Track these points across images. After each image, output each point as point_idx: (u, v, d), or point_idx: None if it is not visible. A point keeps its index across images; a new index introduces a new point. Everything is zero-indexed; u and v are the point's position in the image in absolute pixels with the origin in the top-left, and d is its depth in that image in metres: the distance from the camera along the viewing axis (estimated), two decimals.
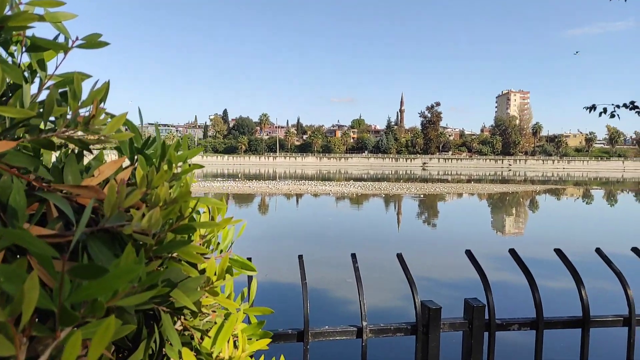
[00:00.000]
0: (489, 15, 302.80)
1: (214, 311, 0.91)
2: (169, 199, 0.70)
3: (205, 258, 0.86)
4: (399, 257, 1.70)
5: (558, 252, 1.78)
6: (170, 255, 0.74)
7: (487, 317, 1.65)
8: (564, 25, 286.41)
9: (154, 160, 0.80)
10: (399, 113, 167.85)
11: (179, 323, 0.80)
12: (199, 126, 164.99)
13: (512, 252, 1.77)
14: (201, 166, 1.01)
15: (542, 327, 1.66)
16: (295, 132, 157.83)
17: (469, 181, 52.14)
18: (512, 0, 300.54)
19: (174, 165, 0.79)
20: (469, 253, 1.77)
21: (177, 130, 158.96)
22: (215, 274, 0.86)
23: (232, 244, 1.09)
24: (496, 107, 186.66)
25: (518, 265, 1.77)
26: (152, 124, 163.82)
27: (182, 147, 0.93)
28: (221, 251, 1.04)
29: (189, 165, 0.91)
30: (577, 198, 33.95)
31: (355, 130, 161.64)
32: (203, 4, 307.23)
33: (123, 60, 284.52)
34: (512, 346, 6.13)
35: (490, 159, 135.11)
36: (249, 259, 1.75)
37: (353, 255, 1.65)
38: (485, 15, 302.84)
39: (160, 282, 0.65)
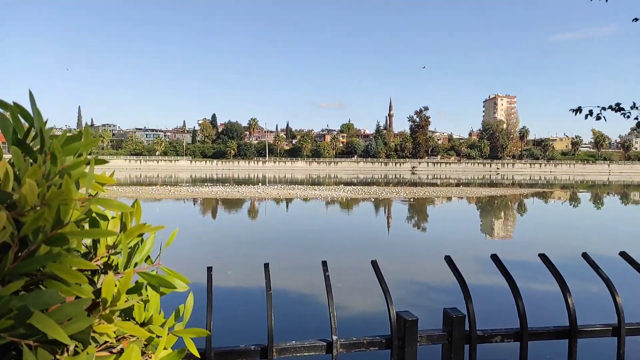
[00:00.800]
0: (475, 21, 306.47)
1: (127, 337, 0.77)
2: (40, 201, 0.57)
3: (116, 274, 0.73)
4: (374, 264, 1.58)
5: (542, 257, 1.67)
6: (41, 272, 0.59)
7: (467, 328, 1.53)
8: (548, 31, 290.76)
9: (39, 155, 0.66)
10: (388, 117, 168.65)
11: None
12: (187, 131, 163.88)
13: (495, 257, 1.65)
14: (105, 161, 0.82)
15: (527, 338, 1.55)
16: (285, 136, 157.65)
17: (457, 185, 52.38)
18: (498, 6, 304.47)
19: (58, 160, 0.64)
20: (448, 259, 1.65)
21: (165, 135, 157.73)
22: (115, 294, 0.70)
23: (158, 255, 0.90)
24: (484, 111, 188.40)
25: (500, 271, 1.65)
26: (140, 129, 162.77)
27: (84, 138, 0.75)
28: (135, 264, 0.86)
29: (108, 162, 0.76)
30: (564, 201, 34.24)
31: (345, 134, 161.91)
32: (191, 8, 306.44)
33: (111, 63, 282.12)
34: (494, 359, 6.04)
35: (478, 163, 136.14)
36: (210, 268, 1.61)
37: (324, 263, 1.52)
38: (472, 21, 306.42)
39: (15, 308, 0.51)
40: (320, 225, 18.24)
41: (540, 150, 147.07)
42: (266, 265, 1.47)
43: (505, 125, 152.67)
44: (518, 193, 38.48)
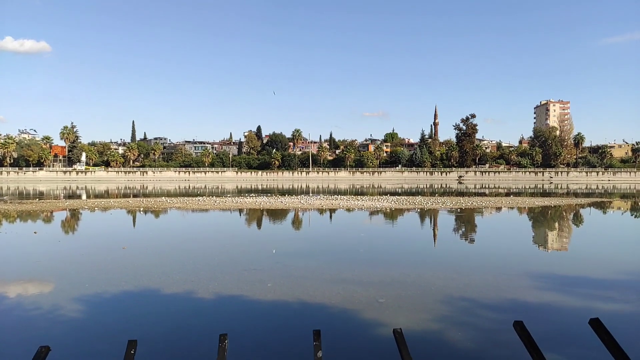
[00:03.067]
0: (523, 24, 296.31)
1: None
2: None
3: None
4: (397, 334, 1.31)
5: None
6: None
7: None
8: (599, 33, 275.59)
9: None
10: (433, 126, 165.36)
11: None
12: (233, 143, 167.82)
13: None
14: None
15: None
16: (328, 147, 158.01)
17: (507, 195, 50.27)
18: (549, 8, 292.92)
19: None
20: (519, 326, 1.36)
21: (212, 147, 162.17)
22: None
23: None
24: (535, 118, 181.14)
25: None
26: (189, 141, 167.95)
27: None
28: None
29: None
30: (625, 211, 32.00)
31: (389, 144, 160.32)
32: (235, 24, 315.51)
33: (163, 79, 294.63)
34: None
35: (530, 172, 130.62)
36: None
37: (316, 334, 1.26)
38: (519, 24, 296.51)
39: None
40: (363, 236, 17.88)
41: (597, 157, 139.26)
42: (223, 337, 1.23)
43: (558, 132, 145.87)
44: (574, 203, 36.37)
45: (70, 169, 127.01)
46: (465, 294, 9.15)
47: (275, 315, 8.02)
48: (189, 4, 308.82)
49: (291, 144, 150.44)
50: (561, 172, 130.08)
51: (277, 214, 27.18)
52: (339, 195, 44.56)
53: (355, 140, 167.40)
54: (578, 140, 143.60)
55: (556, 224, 23.85)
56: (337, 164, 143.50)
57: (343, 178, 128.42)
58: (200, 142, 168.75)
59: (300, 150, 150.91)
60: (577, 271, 11.64)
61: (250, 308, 8.36)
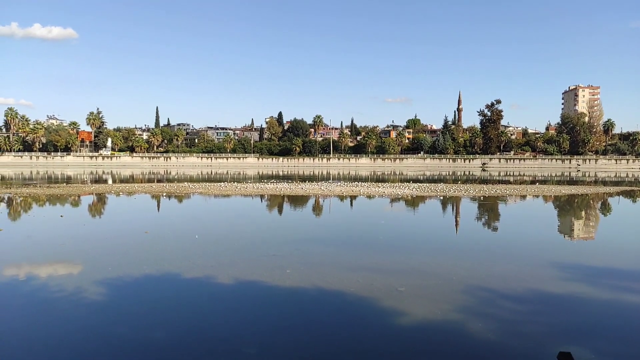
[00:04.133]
0: (549, 8, 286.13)
1: None
2: None
3: None
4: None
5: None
6: None
7: None
8: (630, 16, 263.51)
9: None
10: (457, 112, 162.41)
11: None
12: (255, 129, 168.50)
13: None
14: None
15: None
16: (349, 133, 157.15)
17: (533, 182, 49.17)
18: None
19: None
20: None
21: (234, 133, 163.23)
22: None
23: None
24: (562, 103, 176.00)
25: None
26: (211, 127, 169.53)
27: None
28: None
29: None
30: None
31: (411, 130, 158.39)
32: (257, 11, 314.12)
33: (185, 65, 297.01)
34: None
35: (556, 159, 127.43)
36: None
37: None
38: (545, 8, 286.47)
39: None
40: (383, 223, 17.73)
41: (628, 144, 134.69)
42: None
43: (587, 118, 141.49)
44: (602, 191, 35.30)
45: (96, 154, 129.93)
46: (487, 284, 8.96)
47: (293, 303, 8.00)
48: None
49: (312, 130, 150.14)
50: (589, 159, 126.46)
51: (297, 200, 27.21)
52: (360, 182, 44.34)
53: (377, 126, 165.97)
54: (608, 126, 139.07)
55: (583, 213, 23.19)
56: (359, 150, 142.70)
57: (364, 165, 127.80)
58: (222, 128, 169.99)
59: (321, 136, 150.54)
60: (604, 262, 11.28)
61: (268, 294, 8.37)
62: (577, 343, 6.32)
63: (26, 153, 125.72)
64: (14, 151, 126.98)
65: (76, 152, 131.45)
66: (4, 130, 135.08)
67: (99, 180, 52.53)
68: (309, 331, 6.80)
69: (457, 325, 6.87)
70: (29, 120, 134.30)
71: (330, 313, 7.50)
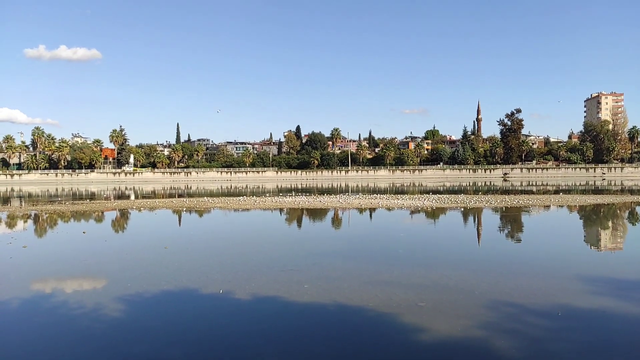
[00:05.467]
0: (571, 14, 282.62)
1: None
2: None
3: None
4: None
5: None
6: None
7: None
8: None
9: None
10: (476, 122, 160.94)
11: None
12: (273, 143, 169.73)
13: None
14: None
15: None
16: (367, 145, 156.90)
17: (556, 192, 48.05)
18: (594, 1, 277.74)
19: None
20: None
21: (253, 148, 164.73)
22: None
23: None
24: (585, 111, 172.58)
25: None
26: (230, 142, 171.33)
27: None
28: None
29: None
30: None
31: (429, 141, 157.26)
32: (274, 29, 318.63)
33: (204, 84, 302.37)
34: None
35: (580, 168, 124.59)
36: None
37: None
38: (567, 14, 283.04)
39: None
40: (402, 236, 17.48)
41: None
42: None
43: (611, 126, 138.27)
44: (629, 200, 34.21)
45: (119, 170, 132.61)
46: (511, 299, 8.67)
47: (310, 318, 7.87)
48: (227, 13, 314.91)
49: (330, 143, 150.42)
50: (615, 167, 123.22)
51: (316, 214, 27.13)
52: (379, 194, 44.04)
53: (395, 138, 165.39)
54: (633, 134, 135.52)
55: (610, 223, 22.47)
56: (377, 162, 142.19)
57: (383, 176, 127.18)
58: (242, 143, 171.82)
59: (339, 149, 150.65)
60: (634, 275, 10.83)
61: (286, 310, 8.26)
62: None
63: (52, 170, 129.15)
64: (40, 169, 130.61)
65: (100, 168, 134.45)
66: (31, 148, 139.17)
67: (121, 196, 53.45)
68: (328, 347, 6.66)
69: (481, 343, 6.64)
70: (55, 138, 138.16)
71: (349, 329, 7.35)
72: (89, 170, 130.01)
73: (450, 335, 6.96)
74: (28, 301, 9.13)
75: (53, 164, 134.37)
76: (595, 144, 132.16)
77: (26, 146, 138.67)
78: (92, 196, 51.38)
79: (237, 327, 7.53)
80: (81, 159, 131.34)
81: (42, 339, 7.13)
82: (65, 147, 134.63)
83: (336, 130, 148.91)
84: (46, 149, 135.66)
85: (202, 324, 7.64)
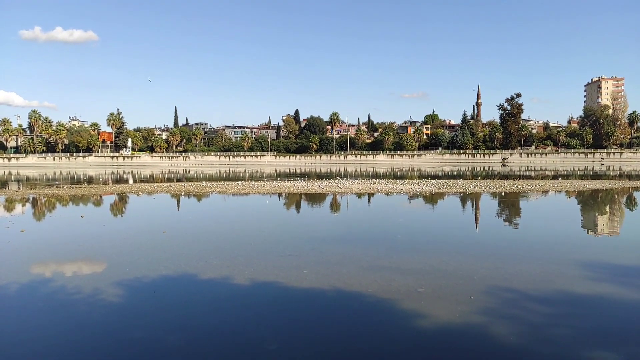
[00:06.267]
0: (572, 2, 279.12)
1: None
2: None
3: None
4: None
5: None
6: None
7: None
8: None
9: None
10: (475, 106, 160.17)
11: None
12: (272, 127, 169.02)
13: None
14: None
15: None
16: (366, 129, 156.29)
17: (555, 177, 48.04)
18: None
19: None
20: None
21: (251, 132, 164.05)
22: None
23: None
24: (585, 96, 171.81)
25: None
26: (229, 126, 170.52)
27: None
28: None
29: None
30: None
31: (429, 126, 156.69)
32: (271, 12, 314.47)
33: (203, 65, 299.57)
34: None
35: (579, 153, 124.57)
36: None
37: None
38: (569, 2, 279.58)
39: None
40: (401, 221, 17.46)
41: None
42: None
43: (611, 111, 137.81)
44: (628, 186, 34.22)
45: (117, 154, 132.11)
46: (510, 285, 8.66)
47: (310, 304, 7.86)
48: None
49: (329, 127, 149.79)
50: (614, 152, 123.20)
51: (314, 198, 27.09)
52: (377, 179, 43.99)
53: (394, 122, 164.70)
54: (633, 119, 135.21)
55: (609, 209, 22.48)
56: (376, 147, 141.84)
57: (382, 161, 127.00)
58: (240, 127, 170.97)
59: (338, 133, 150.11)
60: (632, 260, 10.83)
61: (285, 296, 8.24)
62: (607, 348, 6.02)
63: (49, 154, 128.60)
64: (37, 152, 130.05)
65: (97, 152, 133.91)
66: (28, 132, 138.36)
67: (119, 180, 53.33)
68: (327, 333, 6.65)
69: (480, 329, 6.63)
70: (52, 122, 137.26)
71: (349, 315, 7.34)
72: (86, 154, 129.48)
73: (450, 321, 6.95)
74: (26, 286, 9.09)
75: (50, 148, 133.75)
76: (594, 129, 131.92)
77: (23, 129, 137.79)
78: (90, 180, 51.24)
79: (235, 313, 7.51)
80: (79, 143, 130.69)
81: (40, 325, 7.10)
82: (63, 130, 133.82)
83: (335, 114, 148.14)
84: (43, 132, 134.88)
85: (201, 310, 7.62)
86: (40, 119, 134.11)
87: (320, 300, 8.02)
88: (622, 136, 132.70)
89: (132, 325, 7.01)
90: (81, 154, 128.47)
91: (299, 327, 6.92)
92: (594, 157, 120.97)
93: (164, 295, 8.46)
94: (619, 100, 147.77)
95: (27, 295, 8.59)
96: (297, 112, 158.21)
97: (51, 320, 7.30)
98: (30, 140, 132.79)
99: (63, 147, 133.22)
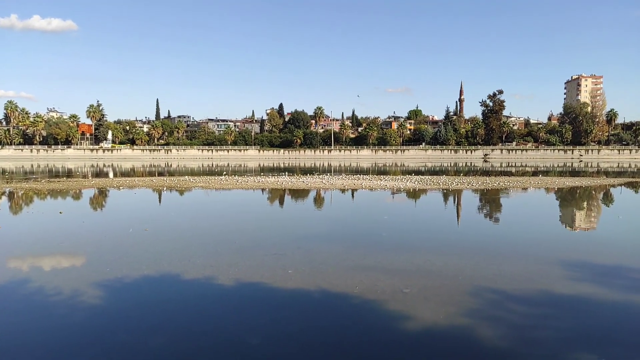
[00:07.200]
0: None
1: None
2: None
3: None
4: None
5: None
6: None
7: None
8: (630, 5, 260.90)
9: None
10: (458, 102, 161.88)
11: None
12: (256, 121, 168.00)
13: None
14: None
15: None
16: (350, 124, 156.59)
17: (535, 173, 48.87)
18: None
19: None
20: None
21: (235, 125, 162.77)
22: None
23: None
24: (565, 93, 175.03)
25: None
26: (212, 119, 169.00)
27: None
28: None
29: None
30: None
31: (412, 121, 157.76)
32: (256, 4, 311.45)
33: (186, 57, 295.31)
34: None
35: (558, 150, 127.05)
36: None
37: None
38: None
39: None
40: (386, 219, 17.50)
41: (631, 135, 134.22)
42: None
43: (589, 108, 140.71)
44: (606, 183, 34.99)
45: (97, 147, 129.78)
46: (494, 285, 8.72)
47: (295, 305, 7.78)
48: None
49: (313, 121, 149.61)
50: (592, 149, 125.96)
51: (298, 194, 26.99)
52: (362, 175, 44.09)
53: (378, 117, 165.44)
54: (611, 116, 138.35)
55: (589, 206, 22.92)
56: (360, 142, 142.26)
57: (365, 156, 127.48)
58: (223, 120, 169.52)
59: (322, 128, 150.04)
60: (615, 259, 11.03)
61: (270, 296, 8.15)
62: (591, 349, 6.10)
63: (26, 146, 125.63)
64: (14, 144, 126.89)
65: (77, 145, 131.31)
66: (4, 123, 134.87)
67: (99, 173, 52.35)
68: (313, 336, 6.59)
69: (465, 331, 6.65)
70: (29, 113, 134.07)
71: (334, 316, 7.29)
72: (65, 146, 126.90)
73: (435, 322, 6.96)
74: (1, 287, 8.81)
75: (28, 140, 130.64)
76: (574, 126, 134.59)
77: None
78: (69, 173, 50.16)
79: (220, 315, 7.39)
80: (57, 135, 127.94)
81: (17, 328, 6.88)
82: (41, 122, 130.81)
83: (319, 108, 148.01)
84: (20, 123, 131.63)
85: (184, 311, 7.48)
86: (17, 110, 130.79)
87: (306, 302, 7.95)
88: (600, 133, 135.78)
89: (114, 327, 6.84)
90: (60, 147, 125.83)
91: (284, 328, 6.84)
92: (572, 153, 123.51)
93: (146, 296, 8.28)
94: (598, 98, 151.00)
95: (2, 297, 8.32)
96: (281, 106, 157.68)
97: (29, 323, 7.07)
98: (7, 132, 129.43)
99: (41, 139, 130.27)
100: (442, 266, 10.12)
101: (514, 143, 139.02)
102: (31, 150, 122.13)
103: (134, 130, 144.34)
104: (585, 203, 24.22)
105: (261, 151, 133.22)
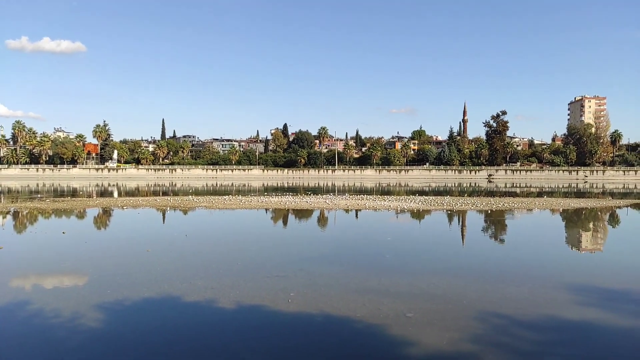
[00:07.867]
0: (555, 20, 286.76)
1: None
2: None
3: None
4: None
5: None
6: None
7: None
8: (633, 26, 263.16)
9: None
10: (462, 123, 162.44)
11: None
12: (260, 140, 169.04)
13: None
14: None
15: None
16: (354, 144, 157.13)
17: (540, 194, 48.59)
18: (580, 4, 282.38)
19: None
20: None
21: (239, 145, 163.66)
22: None
23: None
24: (569, 114, 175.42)
25: None
26: (217, 139, 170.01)
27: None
28: None
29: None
30: None
31: (416, 141, 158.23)
32: (260, 26, 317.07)
33: (191, 80, 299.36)
34: None
35: (563, 170, 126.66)
36: None
37: None
38: (552, 17, 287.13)
39: None
40: (389, 240, 17.37)
41: (636, 155, 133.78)
42: None
43: (594, 129, 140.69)
44: (612, 205, 34.71)
45: (102, 166, 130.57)
46: (500, 310, 8.57)
47: (297, 329, 7.67)
48: (215, 8, 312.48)
49: (317, 141, 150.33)
50: (597, 170, 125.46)
51: (302, 214, 26.90)
52: (365, 195, 43.99)
53: (382, 137, 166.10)
54: (615, 137, 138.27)
55: (595, 228, 22.69)
56: (364, 162, 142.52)
57: (369, 176, 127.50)
58: (228, 140, 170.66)
59: (326, 148, 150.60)
60: (621, 283, 10.85)
61: (271, 321, 8.04)
62: None
63: (33, 165, 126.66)
64: (20, 164, 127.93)
65: (82, 164, 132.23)
66: (11, 142, 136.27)
67: (104, 193, 52.52)
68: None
69: (469, 358, 6.50)
70: (36, 133, 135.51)
71: (337, 341, 7.17)
72: (71, 165, 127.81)
73: (438, 348, 6.82)
74: (1, 309, 8.74)
75: (34, 159, 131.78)
76: (578, 146, 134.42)
77: (6, 140, 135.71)
78: (74, 193, 50.35)
79: (221, 338, 7.29)
80: (63, 154, 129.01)
81: (15, 352, 6.79)
82: (47, 141, 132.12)
83: (323, 129, 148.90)
84: (27, 143, 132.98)
85: (185, 335, 7.38)
86: (24, 130, 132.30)
87: (308, 326, 7.83)
88: (605, 154, 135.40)
89: (112, 352, 6.74)
90: (65, 166, 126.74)
91: (286, 354, 6.73)
92: (577, 174, 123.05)
93: (146, 319, 8.19)
94: (602, 119, 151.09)
95: (3, 319, 8.25)
96: (285, 126, 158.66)
97: (27, 347, 6.99)
98: (14, 151, 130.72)
99: (47, 159, 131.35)
100: (446, 289, 9.98)
101: (518, 164, 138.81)
102: (37, 170, 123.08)
103: (139, 150, 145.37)
104: (591, 225, 23.99)
105: (265, 171, 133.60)
